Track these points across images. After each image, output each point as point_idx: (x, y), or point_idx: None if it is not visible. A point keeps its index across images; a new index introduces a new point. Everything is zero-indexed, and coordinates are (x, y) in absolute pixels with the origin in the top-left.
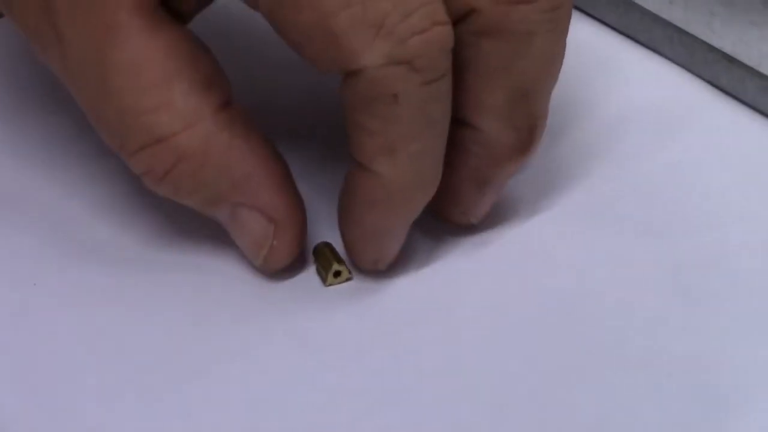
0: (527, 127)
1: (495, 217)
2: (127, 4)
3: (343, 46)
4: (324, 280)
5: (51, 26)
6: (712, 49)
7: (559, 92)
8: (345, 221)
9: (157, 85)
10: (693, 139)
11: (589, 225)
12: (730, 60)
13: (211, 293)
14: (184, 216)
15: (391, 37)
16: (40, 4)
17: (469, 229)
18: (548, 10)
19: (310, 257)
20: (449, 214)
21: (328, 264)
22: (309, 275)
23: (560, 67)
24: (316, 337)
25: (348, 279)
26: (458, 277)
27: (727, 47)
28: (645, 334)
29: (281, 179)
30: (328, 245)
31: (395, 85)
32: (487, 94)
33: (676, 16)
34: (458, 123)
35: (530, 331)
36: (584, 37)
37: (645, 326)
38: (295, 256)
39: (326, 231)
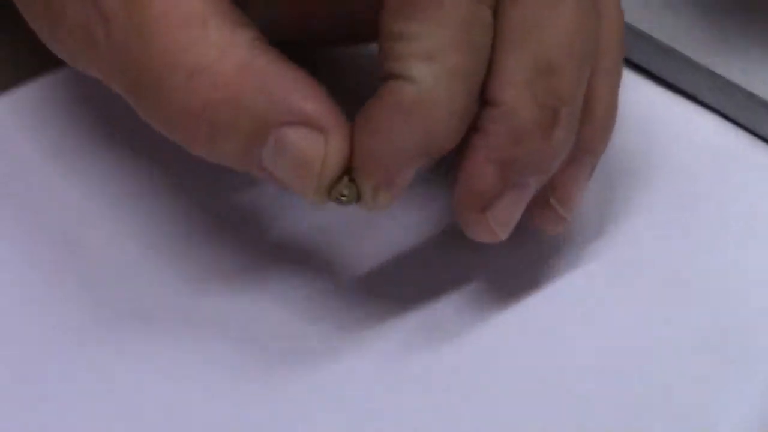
0: (550, 106)
1: (528, 271)
2: None
3: None
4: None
5: (96, 10)
6: (750, 95)
7: None
8: (363, 126)
9: (191, 24)
10: (732, 189)
11: (626, 279)
12: None
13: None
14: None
15: None
16: None
17: (495, 244)
18: None
19: None
20: (471, 213)
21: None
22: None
23: (590, 48)
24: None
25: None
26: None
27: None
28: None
29: (321, 91)
30: None
31: None
32: (510, 63)
33: (714, 62)
34: (480, 103)
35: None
36: (623, 82)
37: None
38: (346, 163)
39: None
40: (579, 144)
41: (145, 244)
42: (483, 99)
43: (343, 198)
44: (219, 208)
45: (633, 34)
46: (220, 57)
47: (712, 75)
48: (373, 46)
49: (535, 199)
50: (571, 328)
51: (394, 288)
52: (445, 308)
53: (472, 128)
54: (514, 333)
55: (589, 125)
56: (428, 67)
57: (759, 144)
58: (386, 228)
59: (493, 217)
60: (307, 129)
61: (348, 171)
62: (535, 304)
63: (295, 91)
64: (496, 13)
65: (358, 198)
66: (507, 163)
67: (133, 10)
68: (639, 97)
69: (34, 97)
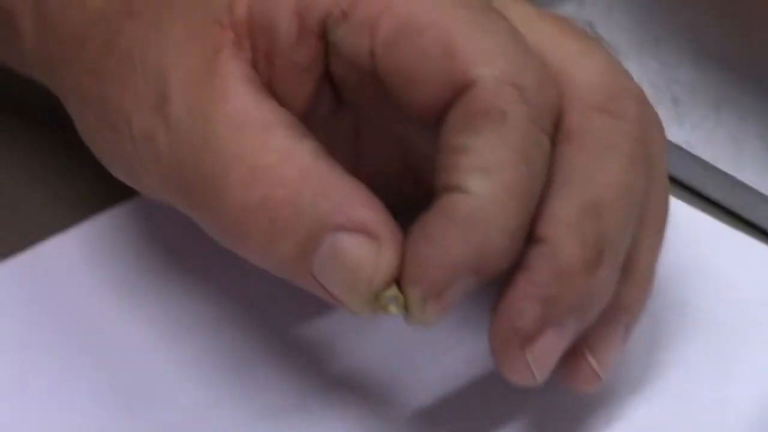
0: (595, 246)
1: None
2: (236, 75)
3: (462, 59)
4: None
5: (161, 117)
6: None
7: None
8: (416, 235)
9: (257, 129)
10: None
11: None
12: None
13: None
14: None
15: (508, 62)
16: (153, 102)
17: (533, 389)
18: (634, 132)
19: None
20: (509, 349)
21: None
22: None
23: (638, 200)
24: None
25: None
26: None
27: None
28: None
29: (378, 202)
30: None
31: (506, 103)
32: (558, 200)
33: None
34: (525, 240)
35: None
36: (689, 213)
37: None
38: (396, 273)
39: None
40: (617, 303)
41: (207, 375)
42: (529, 235)
43: (391, 308)
44: (278, 337)
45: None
46: (282, 160)
47: None
48: None
49: (570, 352)
50: None
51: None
52: None
53: (516, 264)
54: None
55: (629, 284)
56: (485, 180)
57: None
58: (443, 358)
59: (531, 356)
60: (362, 236)
61: (398, 282)
62: None
63: (353, 198)
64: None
65: (405, 309)
66: (549, 301)
67: (197, 115)
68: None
69: (99, 230)
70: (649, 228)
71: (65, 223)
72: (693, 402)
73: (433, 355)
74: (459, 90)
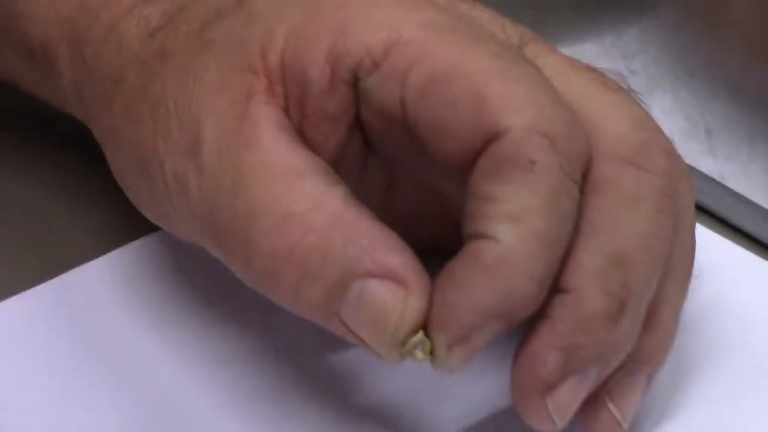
0: (619, 297)
1: None
2: (268, 121)
3: (493, 108)
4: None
5: (193, 161)
6: None
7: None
8: (443, 282)
9: (288, 176)
10: None
11: None
12: None
13: None
14: None
15: (539, 111)
16: (186, 147)
17: None
18: (661, 185)
19: None
20: (530, 396)
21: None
22: None
23: (663, 253)
24: None
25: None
26: None
27: None
28: None
29: (407, 248)
30: None
31: (535, 152)
32: (584, 251)
33: None
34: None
35: None
36: (721, 245)
37: None
38: (423, 319)
39: None
40: (639, 352)
41: (230, 408)
42: (554, 285)
43: (417, 353)
44: (301, 372)
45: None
46: (312, 207)
47: None
48: None
49: (592, 400)
50: None
51: None
52: None
53: (539, 314)
54: None
55: (652, 335)
56: (513, 228)
57: None
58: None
59: (552, 403)
60: (390, 282)
61: (424, 327)
62: None
63: (382, 245)
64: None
65: (431, 354)
66: (570, 349)
67: (229, 161)
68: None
69: (125, 261)
70: (673, 279)
71: (92, 253)
72: None
73: (456, 392)
74: (489, 139)
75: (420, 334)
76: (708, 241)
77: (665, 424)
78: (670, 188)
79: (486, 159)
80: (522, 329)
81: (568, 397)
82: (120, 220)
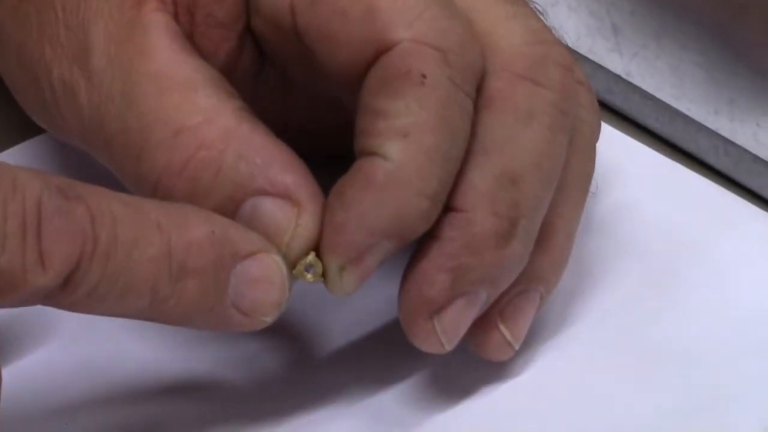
0: (508, 217)
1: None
2: (159, 28)
3: (383, 20)
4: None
5: (81, 68)
6: (757, 159)
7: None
8: (334, 202)
9: (181, 88)
10: (734, 253)
11: (620, 353)
12: None
13: None
14: None
15: (430, 24)
16: (74, 53)
17: (441, 354)
18: (556, 101)
19: None
20: (417, 318)
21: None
22: None
23: (556, 172)
24: None
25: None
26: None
27: None
28: None
29: (301, 166)
30: None
31: (426, 65)
32: (474, 171)
33: (721, 125)
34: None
35: None
36: (628, 145)
37: None
38: (316, 238)
39: None
40: (532, 273)
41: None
42: (445, 205)
43: (308, 275)
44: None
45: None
46: (205, 121)
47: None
48: None
49: (483, 321)
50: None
51: (356, 379)
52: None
53: (429, 234)
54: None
55: (545, 254)
56: (403, 145)
57: (764, 205)
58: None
59: (439, 325)
60: (282, 200)
61: (317, 249)
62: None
63: (276, 162)
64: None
65: (323, 276)
66: (459, 271)
67: (119, 70)
68: (647, 158)
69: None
70: (568, 197)
71: None
72: (616, 343)
73: (343, 304)
74: (379, 51)
75: (311, 256)
76: (614, 141)
77: (560, 337)
78: (566, 104)
79: (376, 72)
80: (412, 251)
81: (457, 318)
82: (6, 122)
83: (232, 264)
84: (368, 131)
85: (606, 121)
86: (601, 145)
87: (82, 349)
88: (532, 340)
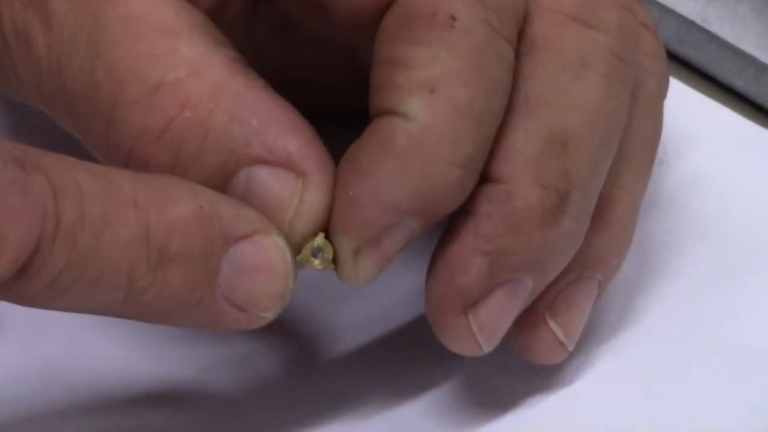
0: (557, 188)
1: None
2: None
3: None
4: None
5: (38, 11)
6: None
7: None
8: (346, 172)
9: (160, 34)
10: None
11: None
12: None
13: None
14: None
15: None
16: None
17: (478, 357)
18: (613, 46)
19: None
20: (448, 313)
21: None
22: None
23: (616, 132)
24: None
25: (327, 265)
26: None
27: None
28: None
29: (306, 128)
30: None
31: (456, 4)
32: (517, 132)
33: None
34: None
35: None
36: (701, 105)
37: None
38: (325, 216)
39: None
40: (587, 257)
41: None
42: (481, 174)
43: (316, 262)
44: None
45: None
46: (190, 74)
47: None
48: None
49: (528, 316)
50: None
51: (370, 388)
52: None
53: (463, 210)
54: None
55: (602, 234)
56: (428, 100)
57: None
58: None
59: (475, 321)
60: (284, 170)
61: (326, 230)
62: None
63: (275, 124)
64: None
65: (334, 262)
66: (499, 254)
67: (84, 15)
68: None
69: None
70: (630, 164)
71: None
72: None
73: (356, 297)
74: None
75: (320, 238)
76: (686, 100)
77: (620, 337)
78: (625, 50)
79: (395, 13)
80: (443, 231)
81: (496, 313)
82: None
83: (223, 248)
84: (386, 85)
85: (675, 76)
86: (669, 105)
87: (38, 351)
88: (587, 340)
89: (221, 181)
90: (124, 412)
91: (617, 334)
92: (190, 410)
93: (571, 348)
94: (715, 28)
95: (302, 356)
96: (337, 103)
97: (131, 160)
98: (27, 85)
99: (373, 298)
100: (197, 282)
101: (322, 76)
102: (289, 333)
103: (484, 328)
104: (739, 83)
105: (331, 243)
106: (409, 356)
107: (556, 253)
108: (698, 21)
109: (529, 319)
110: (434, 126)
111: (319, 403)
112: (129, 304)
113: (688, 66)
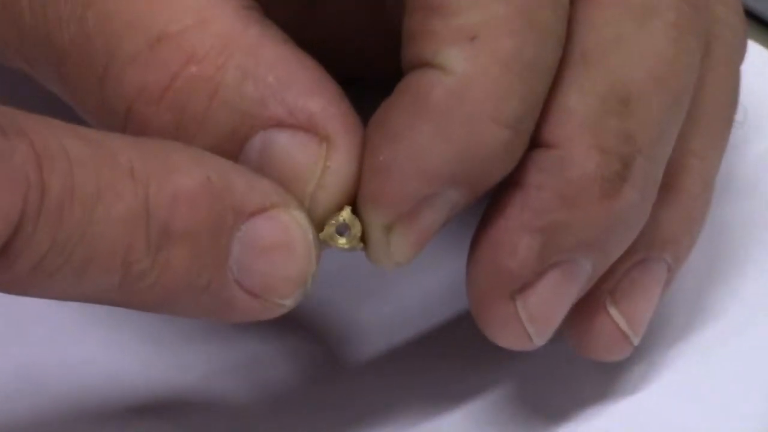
0: (620, 154)
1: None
2: None
3: None
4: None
5: None
6: None
7: None
8: (376, 135)
9: None
10: None
11: None
12: None
13: None
14: None
15: None
16: None
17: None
18: None
19: None
20: (493, 301)
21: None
22: None
23: (686, 90)
24: None
25: (354, 245)
26: None
27: None
28: None
29: (331, 86)
30: None
31: None
32: (571, 91)
33: None
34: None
35: None
36: None
37: None
38: (352, 187)
39: None
40: (655, 235)
41: None
42: (531, 138)
43: (342, 240)
44: None
45: None
46: (197, 23)
47: None
48: None
49: (587, 303)
50: None
51: (401, 390)
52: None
53: (509, 181)
54: None
55: (673, 208)
56: (469, 50)
57: None
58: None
59: (525, 309)
60: (305, 134)
61: (353, 204)
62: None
63: (296, 81)
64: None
65: (363, 241)
66: (552, 231)
67: None
68: None
69: None
70: (703, 129)
71: None
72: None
73: (388, 289)
74: None
75: (346, 212)
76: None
77: (693, 335)
78: None
79: None
80: (485, 204)
81: (549, 299)
82: None
83: (235, 224)
84: (420, 34)
85: (753, 38)
86: (745, 69)
87: (13, 352)
88: (653, 342)
89: (233, 148)
90: (115, 425)
91: (689, 336)
92: (193, 422)
93: (635, 341)
94: None
95: (321, 358)
96: (365, 70)
97: (128, 123)
98: (7, 42)
99: (405, 288)
100: (204, 264)
101: (347, 35)
102: (306, 331)
103: (535, 317)
104: None
105: (360, 218)
106: (446, 359)
107: (618, 229)
108: None
109: (586, 306)
110: (476, 79)
111: (341, 414)
112: (125, 290)
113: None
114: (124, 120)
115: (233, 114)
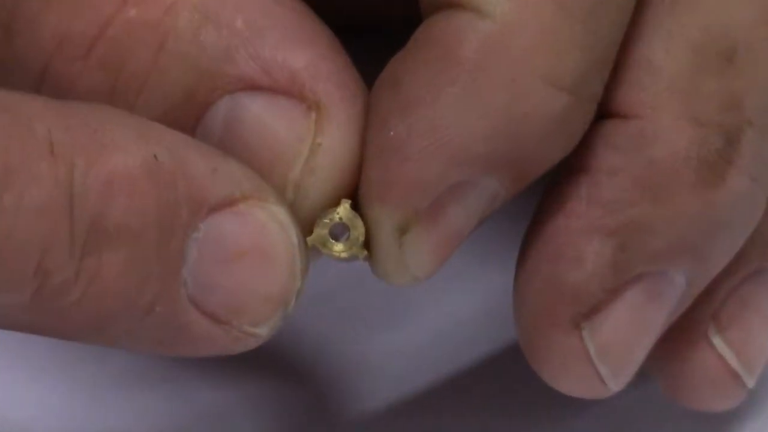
0: (721, 126)
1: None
2: None
3: None
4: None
5: None
6: None
7: None
8: (388, 101)
9: None
10: None
11: None
12: None
13: None
14: None
15: None
16: None
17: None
18: None
19: None
20: (552, 331)
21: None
22: None
23: None
24: None
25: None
26: None
27: None
28: None
29: (324, 35)
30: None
31: None
32: (653, 42)
33: None
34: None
35: None
36: None
37: None
38: (354, 166)
39: None
40: None
41: None
42: (599, 108)
43: (338, 247)
44: None
45: None
46: None
47: None
48: None
49: (682, 332)
50: None
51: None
52: None
53: (571, 163)
54: None
55: None
56: None
57: None
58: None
59: (593, 341)
60: (286, 99)
61: (353, 196)
62: None
63: (272, 27)
64: None
65: (366, 247)
66: (630, 234)
67: None
68: None
69: None
70: None
71: None
72: None
73: (413, 308)
74: None
75: (344, 208)
76: None
77: None
78: None
79: None
80: (536, 198)
81: (629, 327)
82: None
83: (191, 222)
84: None
85: None
86: None
87: None
88: None
89: (188, 117)
90: None
91: None
92: None
93: (750, 383)
94: None
95: (308, 413)
96: (369, 15)
97: (45, 85)
98: None
99: (423, 313)
100: (148, 275)
101: None
102: (288, 374)
103: (609, 351)
104: None
105: (362, 216)
106: (481, 414)
107: (721, 230)
108: None
109: (682, 336)
110: (523, 24)
111: None
112: (40, 309)
113: None
114: (40, 81)
115: (188, 72)
